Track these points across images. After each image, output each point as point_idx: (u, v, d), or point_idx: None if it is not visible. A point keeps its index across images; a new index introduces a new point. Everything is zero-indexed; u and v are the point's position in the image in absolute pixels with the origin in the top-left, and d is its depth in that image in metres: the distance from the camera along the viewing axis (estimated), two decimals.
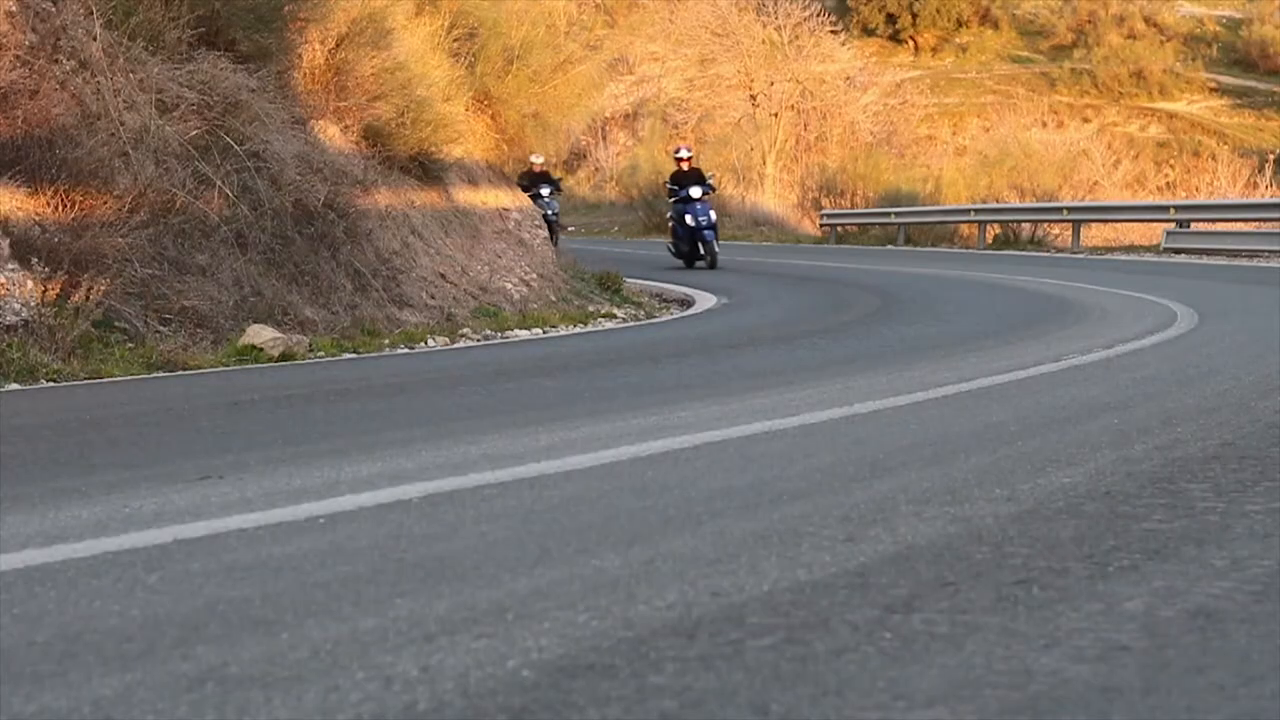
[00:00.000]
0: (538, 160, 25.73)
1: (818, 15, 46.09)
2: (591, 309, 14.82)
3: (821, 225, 34.78)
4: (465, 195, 15.51)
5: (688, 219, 22.21)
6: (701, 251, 22.22)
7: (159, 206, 10.06)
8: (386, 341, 10.88)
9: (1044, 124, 46.90)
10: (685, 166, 23.40)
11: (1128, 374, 7.38)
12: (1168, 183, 40.74)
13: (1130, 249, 27.31)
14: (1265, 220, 25.48)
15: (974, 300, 14.24)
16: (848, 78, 46.96)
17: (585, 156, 48.18)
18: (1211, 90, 50.90)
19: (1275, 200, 28.69)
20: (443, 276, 13.50)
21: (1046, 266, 21.32)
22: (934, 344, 9.60)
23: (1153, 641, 2.77)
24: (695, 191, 22.44)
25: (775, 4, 45.50)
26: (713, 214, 22.43)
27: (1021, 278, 17.90)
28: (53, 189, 9.32)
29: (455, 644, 2.76)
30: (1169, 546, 3.53)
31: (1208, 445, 5.04)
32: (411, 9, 15.19)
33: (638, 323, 13.85)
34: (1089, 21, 55.16)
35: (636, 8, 52.81)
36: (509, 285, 14.77)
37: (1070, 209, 28.83)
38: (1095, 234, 30.52)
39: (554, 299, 15.15)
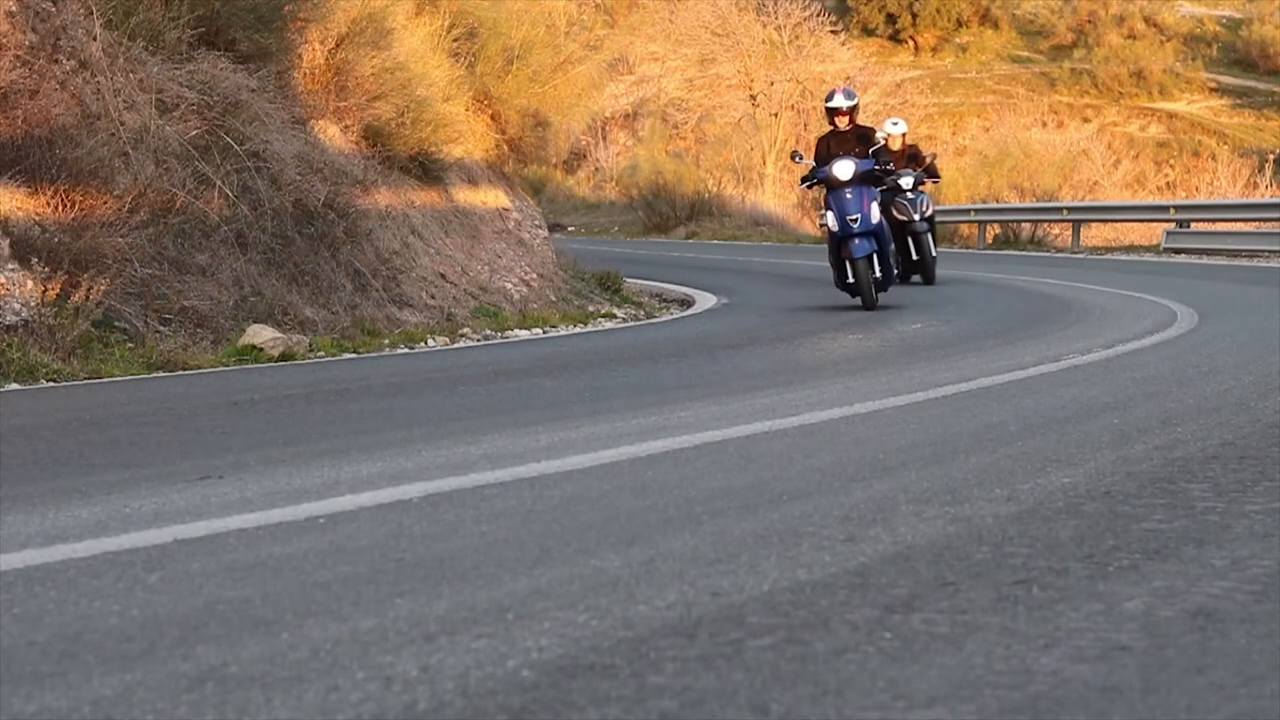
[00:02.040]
0: (897, 130, 16.91)
1: (818, 15, 46.06)
2: (591, 309, 14.81)
3: (821, 225, 34.70)
4: (465, 195, 15.52)
5: (830, 218, 12.80)
6: (849, 276, 12.75)
7: (159, 206, 10.06)
8: (386, 341, 10.88)
9: (1044, 124, 46.88)
10: (842, 124, 13.08)
11: (1128, 374, 7.38)
12: (1168, 183, 40.71)
13: (1130, 249, 27.30)
14: (1265, 220, 25.46)
15: (974, 300, 14.24)
16: (848, 78, 46.89)
17: (585, 156, 48.17)
18: (1211, 90, 50.89)
19: (1275, 200, 28.67)
20: (443, 276, 13.50)
21: (1046, 266, 21.30)
22: (934, 344, 9.60)
23: (1153, 641, 2.77)
24: (844, 170, 12.64)
25: (775, 4, 45.48)
26: (875, 210, 12.72)
27: (1021, 278, 17.89)
28: (53, 189, 9.32)
29: (455, 644, 2.76)
30: (1169, 546, 3.53)
31: (1208, 445, 5.04)
32: (411, 9, 15.19)
33: (638, 323, 13.85)
34: (1089, 21, 55.15)
35: (636, 8, 52.78)
36: (509, 285, 14.76)
37: (1070, 209, 28.80)
38: (1095, 234, 30.49)
39: (554, 299, 15.15)
